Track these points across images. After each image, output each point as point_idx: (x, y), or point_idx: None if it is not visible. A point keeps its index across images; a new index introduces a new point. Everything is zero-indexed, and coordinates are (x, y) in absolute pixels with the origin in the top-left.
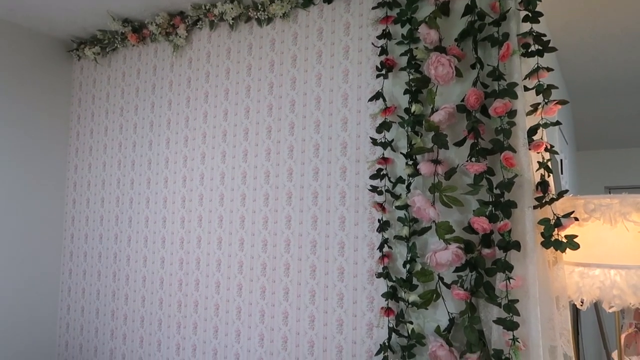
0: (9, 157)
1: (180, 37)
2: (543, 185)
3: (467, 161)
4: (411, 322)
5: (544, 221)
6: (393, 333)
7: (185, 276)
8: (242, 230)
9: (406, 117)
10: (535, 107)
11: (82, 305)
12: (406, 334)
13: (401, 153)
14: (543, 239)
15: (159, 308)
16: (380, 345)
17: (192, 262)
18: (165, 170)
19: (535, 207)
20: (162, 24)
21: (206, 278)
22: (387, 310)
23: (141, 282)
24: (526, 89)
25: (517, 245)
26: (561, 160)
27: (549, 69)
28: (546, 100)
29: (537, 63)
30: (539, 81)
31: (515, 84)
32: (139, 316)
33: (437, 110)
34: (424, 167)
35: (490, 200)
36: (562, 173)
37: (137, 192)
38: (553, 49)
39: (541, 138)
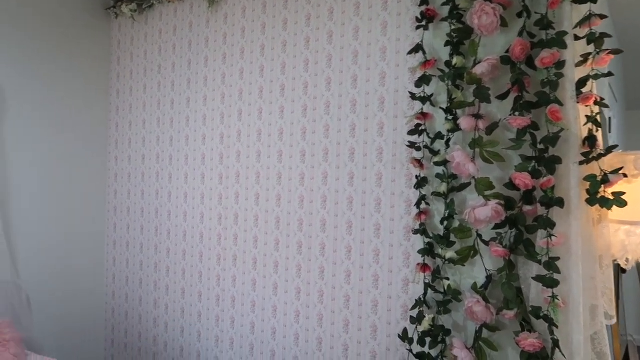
0: (54, 115)
1: None
2: (591, 140)
3: (510, 115)
4: (447, 279)
5: (591, 177)
6: (429, 289)
7: (224, 231)
8: (279, 187)
9: (447, 70)
10: (585, 58)
11: (126, 257)
12: (442, 290)
13: (441, 108)
14: (588, 196)
15: (199, 261)
16: (416, 300)
17: (230, 217)
18: (203, 127)
19: (581, 163)
20: None
21: (244, 233)
22: (424, 267)
23: (182, 236)
24: (576, 38)
25: (560, 202)
26: (609, 118)
27: (602, 16)
28: (598, 50)
29: (590, 10)
30: (590, 29)
31: (565, 33)
32: (180, 269)
33: (479, 63)
34: (465, 122)
35: (534, 155)
36: (610, 132)
37: (177, 149)
38: None
39: (590, 90)
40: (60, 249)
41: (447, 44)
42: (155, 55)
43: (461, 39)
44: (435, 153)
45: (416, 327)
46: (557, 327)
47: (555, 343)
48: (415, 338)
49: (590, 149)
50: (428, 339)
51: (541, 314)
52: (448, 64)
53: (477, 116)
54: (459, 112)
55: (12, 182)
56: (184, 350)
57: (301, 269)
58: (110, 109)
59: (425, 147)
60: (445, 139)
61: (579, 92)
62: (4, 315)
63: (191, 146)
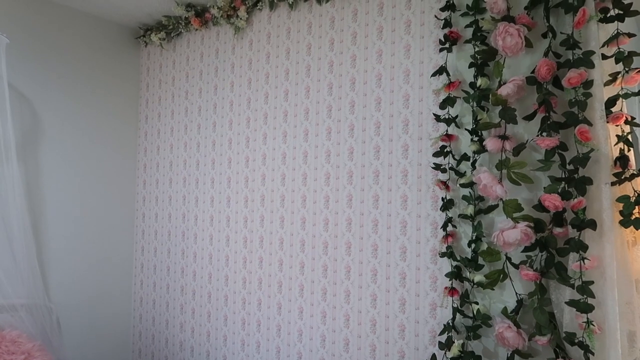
0: (86, 142)
1: (241, 19)
2: (622, 160)
3: (538, 136)
4: (476, 303)
5: (624, 198)
6: (457, 313)
7: (250, 254)
8: (304, 209)
9: (471, 91)
10: (614, 77)
11: (153, 281)
12: (471, 315)
13: (466, 129)
14: (622, 217)
15: (225, 284)
16: (444, 325)
17: (255, 240)
18: (228, 151)
19: (613, 184)
20: (224, 7)
21: (269, 256)
22: (452, 290)
23: (208, 259)
24: (604, 57)
25: (592, 224)
26: None
27: (630, 35)
28: (627, 69)
29: (617, 29)
30: (618, 48)
31: (592, 52)
32: (206, 292)
33: (504, 84)
34: (491, 143)
35: (563, 176)
36: None
37: (203, 173)
38: (636, 13)
39: (620, 110)
40: (90, 275)
41: (471, 65)
42: (183, 81)
43: (485, 60)
44: (461, 175)
45: (445, 353)
46: (593, 354)
47: None
48: None
49: (622, 169)
50: None
51: (576, 340)
52: (472, 85)
53: (504, 137)
54: (484, 133)
55: (46, 205)
56: (211, 355)
57: (326, 292)
58: (139, 133)
59: (451, 168)
60: (471, 161)
61: (608, 112)
62: (36, 338)
63: (217, 169)
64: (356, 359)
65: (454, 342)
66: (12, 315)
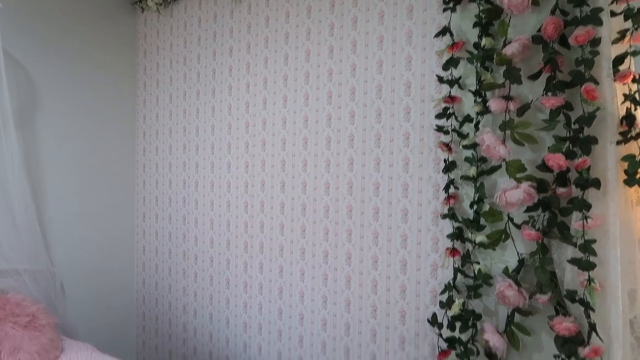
0: (84, 109)
1: None
2: (629, 118)
3: (543, 96)
4: (478, 263)
5: (629, 157)
6: (458, 273)
7: (251, 219)
8: (305, 174)
9: (475, 52)
10: (622, 34)
11: (155, 246)
12: (472, 275)
13: (469, 90)
14: (626, 177)
15: (227, 249)
16: (445, 285)
17: (256, 205)
18: (228, 117)
19: (618, 143)
20: None
21: (270, 220)
22: (453, 251)
23: (209, 224)
24: (612, 14)
25: (596, 183)
26: None
27: None
28: (636, 26)
29: None
30: (628, 5)
31: (600, 9)
32: (208, 257)
33: (509, 43)
34: (495, 104)
35: (568, 136)
36: None
37: (203, 139)
38: None
39: (628, 68)
40: (92, 241)
41: (475, 25)
42: (181, 47)
43: (490, 19)
44: (464, 136)
45: (445, 312)
46: (593, 310)
47: (592, 327)
48: (445, 323)
49: (628, 128)
50: (458, 324)
51: (577, 298)
52: (476, 45)
53: (508, 98)
54: (488, 94)
55: (46, 173)
56: (213, 336)
57: (328, 255)
58: (137, 101)
59: (454, 130)
60: (474, 122)
61: (615, 70)
62: (40, 302)
63: (217, 135)
64: (357, 318)
65: (454, 301)
66: (15, 280)
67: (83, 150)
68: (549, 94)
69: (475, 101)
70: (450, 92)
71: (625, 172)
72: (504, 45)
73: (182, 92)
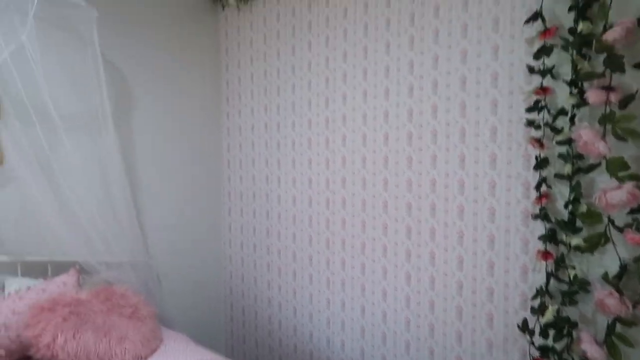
0: (172, 109)
1: None
2: None
3: None
4: (573, 267)
5: None
6: (551, 278)
7: (332, 215)
8: (386, 171)
9: (570, 38)
10: None
11: (240, 240)
12: (567, 280)
13: (564, 81)
14: None
15: (309, 245)
16: (537, 289)
17: (337, 201)
18: (308, 113)
19: None
20: None
21: (352, 217)
22: (545, 254)
23: (291, 220)
24: None
25: None
26: None
27: None
28: None
29: None
30: None
31: None
32: (290, 252)
33: (611, 27)
34: (593, 95)
35: None
36: None
37: (283, 135)
38: None
39: None
40: (183, 233)
41: (570, 8)
42: (260, 43)
43: (588, 1)
44: (557, 131)
45: (537, 318)
46: None
47: None
48: (537, 330)
49: None
50: (552, 331)
51: None
52: (572, 31)
53: (609, 88)
54: (585, 84)
55: (140, 170)
56: (297, 330)
57: (410, 254)
58: (221, 99)
59: (546, 124)
60: (570, 115)
61: None
62: (140, 292)
63: (297, 132)
64: (442, 320)
65: (547, 307)
66: (119, 272)
67: (173, 147)
68: None
69: (570, 93)
70: (542, 83)
71: None
72: (604, 30)
73: (263, 89)
